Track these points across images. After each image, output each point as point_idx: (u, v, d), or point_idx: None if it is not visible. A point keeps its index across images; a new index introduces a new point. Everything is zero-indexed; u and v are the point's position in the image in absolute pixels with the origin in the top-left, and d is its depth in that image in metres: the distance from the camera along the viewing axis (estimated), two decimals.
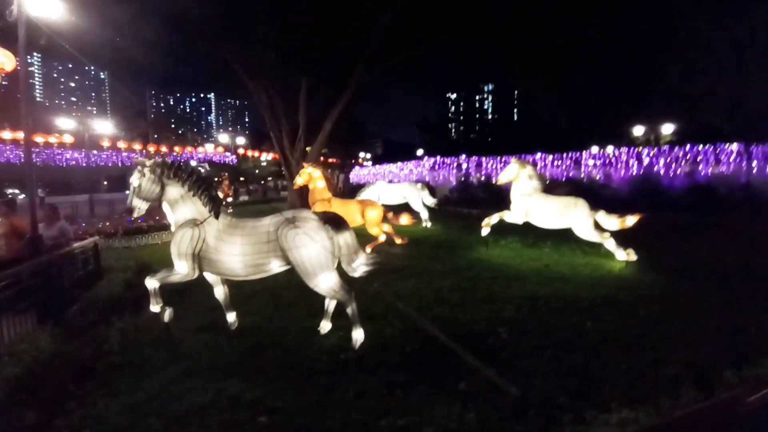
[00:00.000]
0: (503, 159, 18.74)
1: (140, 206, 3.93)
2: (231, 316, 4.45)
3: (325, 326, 4.30)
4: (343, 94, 15.65)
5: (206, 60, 15.94)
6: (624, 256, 7.03)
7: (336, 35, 13.49)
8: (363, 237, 8.11)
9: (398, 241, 8.82)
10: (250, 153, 50.81)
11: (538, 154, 18.97)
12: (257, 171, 50.51)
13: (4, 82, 8.37)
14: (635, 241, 7.40)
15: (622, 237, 7.23)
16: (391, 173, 31.38)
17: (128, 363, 3.71)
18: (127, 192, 4.13)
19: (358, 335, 3.93)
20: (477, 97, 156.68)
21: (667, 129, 24.92)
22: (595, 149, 25.63)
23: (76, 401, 3.13)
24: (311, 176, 8.54)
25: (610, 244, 7.20)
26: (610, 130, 29.81)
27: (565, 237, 7.99)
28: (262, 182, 46.21)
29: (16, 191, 36.21)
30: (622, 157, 16.48)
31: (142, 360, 3.78)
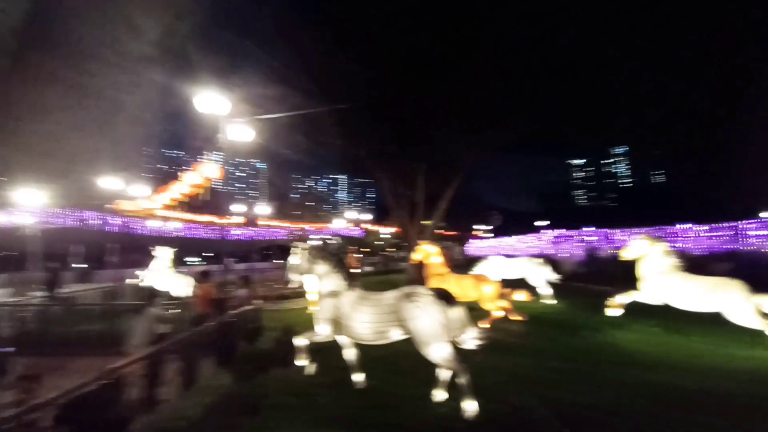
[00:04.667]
0: (639, 231, 16.89)
1: (296, 279, 5.12)
2: (358, 376, 5.14)
3: (439, 395, 4.63)
4: (457, 175, 16.77)
5: (342, 152, 19.01)
6: None
7: (447, 127, 15.02)
8: (479, 312, 8.32)
9: (516, 317, 8.69)
10: (373, 227, 55.29)
11: (677, 225, 16.56)
12: (380, 243, 54.07)
13: (214, 186, 11.78)
14: None
15: None
16: (509, 246, 30.50)
17: (279, 405, 4.62)
18: (277, 262, 5.42)
19: (469, 406, 4.18)
20: (606, 162, 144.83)
21: None
22: None
23: (249, 429, 4.08)
24: (427, 252, 9.26)
25: None
26: None
27: (723, 324, 6.83)
28: (384, 253, 49.06)
29: (197, 259, 45.72)
30: None
31: (289, 405, 4.65)
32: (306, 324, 7.68)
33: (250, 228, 45.04)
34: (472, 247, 41.75)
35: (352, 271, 5.12)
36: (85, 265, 31.30)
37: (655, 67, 13.35)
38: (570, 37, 13.33)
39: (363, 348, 5.21)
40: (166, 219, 29.83)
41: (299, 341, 4.97)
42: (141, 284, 12.83)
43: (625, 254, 7.80)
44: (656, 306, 7.47)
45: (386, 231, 53.19)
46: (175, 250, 12.44)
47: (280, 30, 14.19)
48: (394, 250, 52.25)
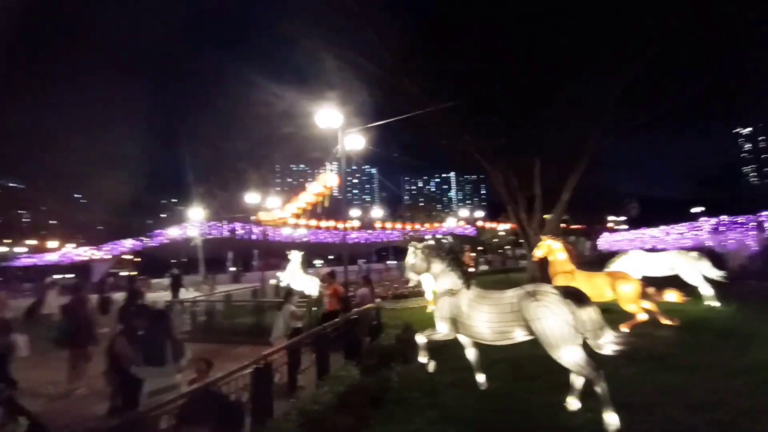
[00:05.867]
0: None
1: (414, 278, 5.24)
2: (480, 377, 5.00)
3: (573, 403, 4.23)
4: (580, 162, 15.08)
5: (448, 149, 18.73)
6: None
7: (566, 112, 13.53)
8: (619, 314, 7.35)
9: (665, 321, 7.45)
10: (487, 224, 53.28)
11: None
12: (495, 241, 51.85)
13: (334, 193, 13.00)
14: None
15: None
16: (653, 238, 26.28)
17: (403, 400, 4.78)
18: (392, 263, 5.59)
19: (611, 419, 3.71)
20: None
21: None
22: None
23: (373, 419, 4.33)
24: (550, 248, 8.53)
25: None
26: None
27: None
28: (500, 251, 46.92)
29: (321, 262, 50.28)
30: None
31: (412, 400, 4.77)
32: (424, 322, 7.84)
33: (366, 231, 47.73)
34: (605, 241, 37.18)
35: (469, 270, 5.01)
36: (236, 269, 37.22)
37: None
38: None
39: (485, 349, 5.05)
40: (296, 226, 33.49)
41: (420, 338, 5.06)
42: (281, 284, 14.68)
43: None
44: None
45: (501, 228, 50.79)
46: (303, 253, 13.91)
47: (382, 38, 14.60)
48: (510, 247, 49.60)
